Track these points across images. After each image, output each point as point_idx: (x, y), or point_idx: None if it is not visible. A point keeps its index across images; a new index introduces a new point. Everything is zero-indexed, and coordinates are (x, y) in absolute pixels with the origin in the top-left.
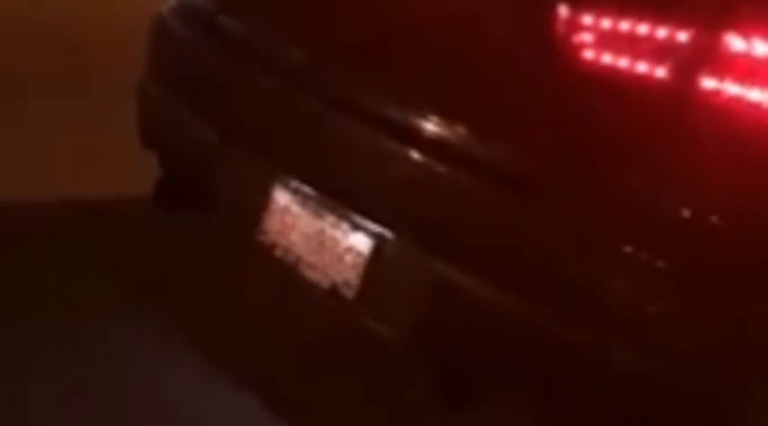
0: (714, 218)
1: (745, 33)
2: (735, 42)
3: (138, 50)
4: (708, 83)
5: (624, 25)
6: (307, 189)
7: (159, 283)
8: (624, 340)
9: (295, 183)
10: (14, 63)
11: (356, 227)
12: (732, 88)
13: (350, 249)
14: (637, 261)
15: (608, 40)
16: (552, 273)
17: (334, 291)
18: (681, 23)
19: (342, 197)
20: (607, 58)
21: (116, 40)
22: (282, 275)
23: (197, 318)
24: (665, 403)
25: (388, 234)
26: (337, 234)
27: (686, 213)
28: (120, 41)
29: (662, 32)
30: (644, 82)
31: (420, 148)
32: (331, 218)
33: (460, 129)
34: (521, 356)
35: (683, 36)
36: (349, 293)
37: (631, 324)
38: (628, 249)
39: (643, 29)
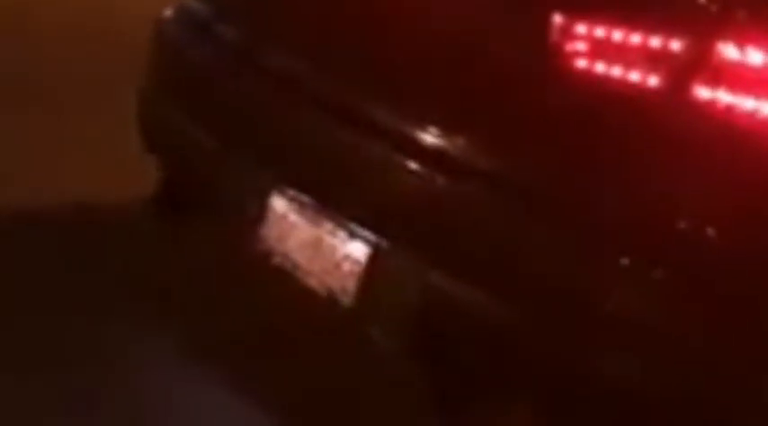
0: (711, 228)
1: (739, 42)
2: (728, 51)
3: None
4: (702, 92)
5: (618, 35)
6: (304, 197)
7: (159, 288)
8: (622, 350)
9: (292, 191)
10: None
11: (353, 235)
12: (726, 97)
13: (347, 257)
14: (634, 272)
15: (603, 50)
16: (549, 284)
17: (331, 298)
18: (674, 32)
19: (339, 205)
20: (602, 68)
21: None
22: (280, 282)
23: (196, 323)
24: (664, 413)
25: (384, 242)
26: (334, 241)
27: (683, 223)
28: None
29: (656, 42)
30: (639, 91)
31: (417, 158)
32: (328, 226)
33: (456, 139)
34: (517, 365)
35: (676, 45)
36: (346, 300)
37: (629, 335)
38: (625, 260)
39: (637, 38)
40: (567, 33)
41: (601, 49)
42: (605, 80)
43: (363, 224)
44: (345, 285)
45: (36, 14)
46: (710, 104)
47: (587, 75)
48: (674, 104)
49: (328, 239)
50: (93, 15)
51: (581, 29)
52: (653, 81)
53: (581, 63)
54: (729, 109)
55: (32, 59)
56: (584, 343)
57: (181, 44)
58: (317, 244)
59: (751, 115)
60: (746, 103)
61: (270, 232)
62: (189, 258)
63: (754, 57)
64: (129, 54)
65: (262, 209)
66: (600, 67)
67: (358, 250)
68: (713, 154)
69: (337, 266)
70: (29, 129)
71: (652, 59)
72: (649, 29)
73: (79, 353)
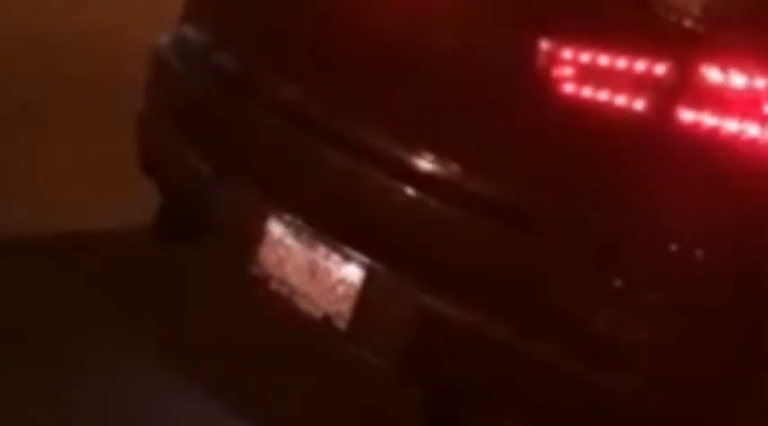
0: (699, 250)
1: (721, 65)
2: (711, 74)
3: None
4: (687, 115)
5: (604, 60)
6: (299, 221)
7: (158, 312)
8: (613, 370)
9: (288, 216)
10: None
11: (347, 259)
12: (710, 120)
13: (342, 280)
14: (626, 294)
15: (589, 75)
16: (542, 304)
17: (327, 322)
18: (659, 57)
19: (333, 229)
20: (589, 92)
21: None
22: (277, 306)
23: (193, 346)
24: None
25: (378, 265)
26: (329, 265)
27: (672, 245)
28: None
29: (641, 66)
30: (625, 115)
31: (409, 182)
32: (323, 250)
33: (449, 163)
34: (510, 385)
35: (661, 69)
36: (342, 324)
37: (621, 356)
38: (617, 283)
39: (623, 63)
40: (554, 59)
41: (587, 74)
42: (592, 104)
43: (357, 247)
44: (340, 308)
45: (34, 36)
46: (695, 127)
47: (575, 100)
48: (660, 127)
49: (323, 263)
50: (92, 40)
51: (567, 54)
52: (639, 105)
53: (568, 88)
54: (714, 131)
55: (27, 84)
56: (576, 363)
57: (177, 70)
58: (312, 268)
59: (735, 137)
60: (730, 125)
61: (266, 256)
62: (187, 282)
63: (737, 80)
64: (127, 79)
65: (258, 234)
66: (587, 92)
67: (352, 273)
68: (699, 176)
69: (332, 289)
70: (25, 156)
71: (638, 84)
72: (635, 54)
73: (79, 376)
